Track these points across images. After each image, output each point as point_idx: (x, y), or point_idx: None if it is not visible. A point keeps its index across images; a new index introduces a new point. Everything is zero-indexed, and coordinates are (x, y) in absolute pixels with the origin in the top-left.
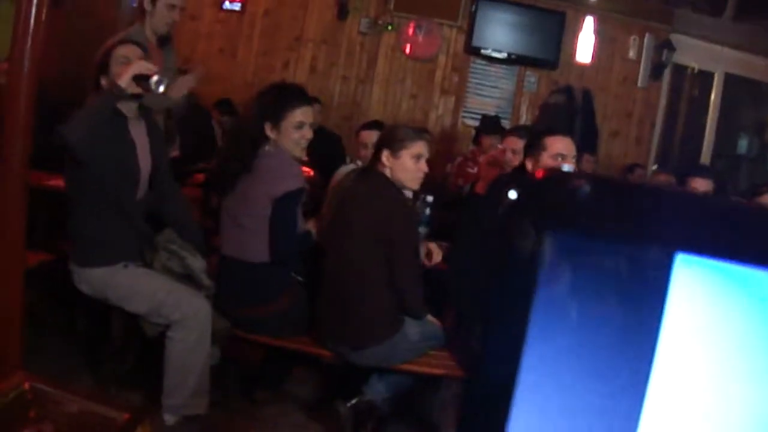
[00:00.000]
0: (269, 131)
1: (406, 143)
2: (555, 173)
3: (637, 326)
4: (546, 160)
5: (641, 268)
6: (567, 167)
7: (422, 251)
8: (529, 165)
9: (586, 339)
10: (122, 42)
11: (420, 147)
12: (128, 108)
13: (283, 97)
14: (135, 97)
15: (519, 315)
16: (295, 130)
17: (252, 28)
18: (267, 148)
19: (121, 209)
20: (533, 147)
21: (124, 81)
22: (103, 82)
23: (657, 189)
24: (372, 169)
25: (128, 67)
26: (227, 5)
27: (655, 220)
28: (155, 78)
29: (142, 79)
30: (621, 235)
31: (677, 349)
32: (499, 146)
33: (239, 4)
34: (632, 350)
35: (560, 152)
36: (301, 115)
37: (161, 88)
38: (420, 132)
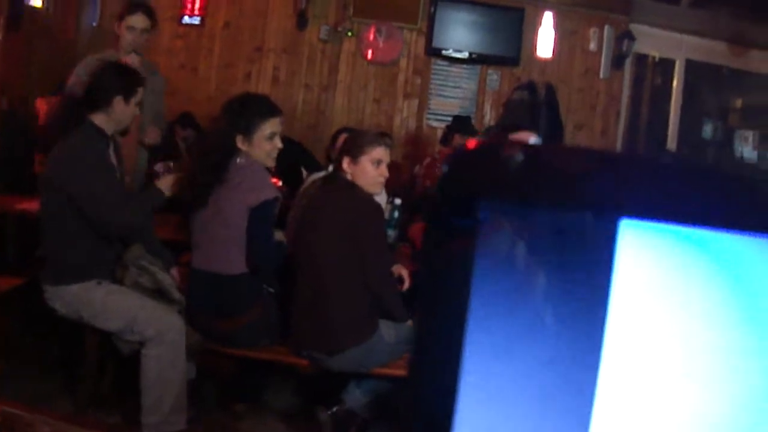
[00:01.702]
0: (240, 143)
1: (365, 149)
2: (487, 142)
3: (584, 300)
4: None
5: (583, 237)
6: (533, 140)
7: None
8: None
9: (530, 319)
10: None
11: (379, 152)
12: (109, 126)
13: (253, 109)
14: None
15: (457, 297)
16: (267, 142)
17: (212, 41)
18: (239, 160)
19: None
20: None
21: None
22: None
23: (596, 151)
24: (336, 174)
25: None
26: (186, 20)
27: (594, 184)
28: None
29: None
30: (559, 201)
31: (627, 321)
32: None
33: (198, 18)
34: (581, 325)
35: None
36: (272, 126)
37: None
38: (379, 137)
